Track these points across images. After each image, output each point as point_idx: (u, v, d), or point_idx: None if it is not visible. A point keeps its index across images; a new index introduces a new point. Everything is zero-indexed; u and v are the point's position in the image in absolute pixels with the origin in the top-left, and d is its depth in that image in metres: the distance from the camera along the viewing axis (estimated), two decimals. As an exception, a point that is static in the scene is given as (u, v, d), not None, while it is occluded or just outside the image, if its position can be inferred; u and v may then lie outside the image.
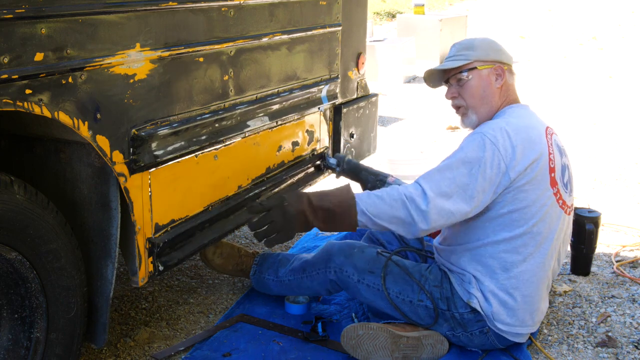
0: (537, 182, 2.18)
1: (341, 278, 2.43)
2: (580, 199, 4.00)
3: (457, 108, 2.39)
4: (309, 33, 2.81)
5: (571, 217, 2.39)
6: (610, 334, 2.54)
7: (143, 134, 1.99)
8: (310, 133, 2.98)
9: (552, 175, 2.21)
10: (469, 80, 2.31)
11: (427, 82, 2.47)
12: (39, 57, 1.64)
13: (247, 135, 2.52)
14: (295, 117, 2.81)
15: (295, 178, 2.92)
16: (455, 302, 2.27)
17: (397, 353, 2.29)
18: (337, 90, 3.08)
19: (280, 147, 2.77)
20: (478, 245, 2.25)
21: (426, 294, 2.30)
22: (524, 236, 2.20)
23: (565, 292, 2.87)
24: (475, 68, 2.31)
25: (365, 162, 3.16)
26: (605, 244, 3.37)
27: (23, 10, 1.58)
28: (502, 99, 2.34)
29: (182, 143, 2.16)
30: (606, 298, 2.82)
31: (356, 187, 2.56)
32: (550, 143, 2.25)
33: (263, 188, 2.67)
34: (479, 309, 2.23)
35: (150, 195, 2.07)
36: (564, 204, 2.27)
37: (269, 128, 2.66)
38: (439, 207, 2.09)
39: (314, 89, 2.89)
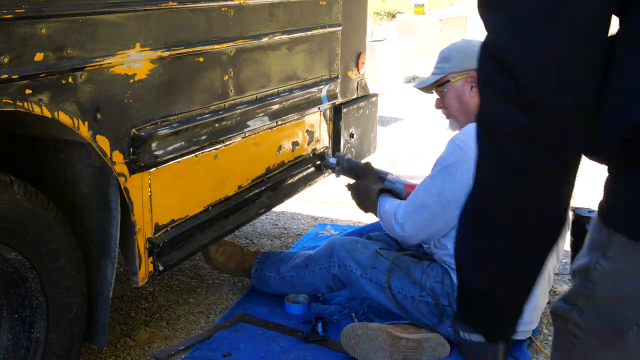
0: None
1: (344, 273, 2.45)
2: (580, 199, 4.00)
3: (445, 114, 2.53)
4: (309, 33, 2.81)
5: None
6: (610, 334, 2.54)
7: (143, 134, 1.99)
8: (310, 133, 2.98)
9: None
10: (446, 93, 2.45)
11: (422, 91, 2.63)
12: (39, 57, 1.64)
13: (247, 135, 2.52)
14: (295, 117, 2.81)
15: (295, 178, 2.91)
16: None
17: (396, 355, 2.29)
18: (337, 90, 3.07)
19: (280, 147, 2.77)
20: None
21: (427, 291, 2.31)
22: None
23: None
24: (449, 81, 2.43)
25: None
26: (605, 244, 3.36)
27: (23, 10, 1.58)
28: None
29: (182, 143, 2.16)
30: (606, 298, 2.82)
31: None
32: None
33: (263, 188, 2.67)
34: None
35: (150, 195, 2.07)
36: None
37: (269, 128, 2.66)
38: (413, 218, 2.31)
39: (314, 89, 2.89)
